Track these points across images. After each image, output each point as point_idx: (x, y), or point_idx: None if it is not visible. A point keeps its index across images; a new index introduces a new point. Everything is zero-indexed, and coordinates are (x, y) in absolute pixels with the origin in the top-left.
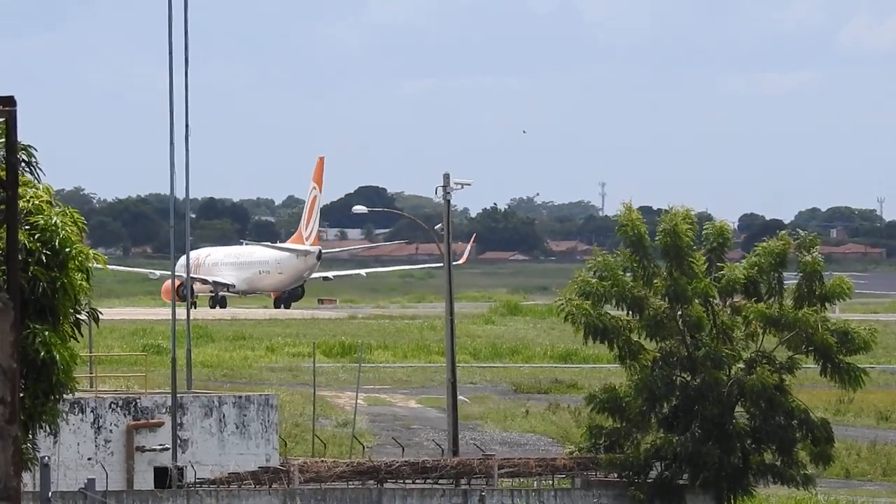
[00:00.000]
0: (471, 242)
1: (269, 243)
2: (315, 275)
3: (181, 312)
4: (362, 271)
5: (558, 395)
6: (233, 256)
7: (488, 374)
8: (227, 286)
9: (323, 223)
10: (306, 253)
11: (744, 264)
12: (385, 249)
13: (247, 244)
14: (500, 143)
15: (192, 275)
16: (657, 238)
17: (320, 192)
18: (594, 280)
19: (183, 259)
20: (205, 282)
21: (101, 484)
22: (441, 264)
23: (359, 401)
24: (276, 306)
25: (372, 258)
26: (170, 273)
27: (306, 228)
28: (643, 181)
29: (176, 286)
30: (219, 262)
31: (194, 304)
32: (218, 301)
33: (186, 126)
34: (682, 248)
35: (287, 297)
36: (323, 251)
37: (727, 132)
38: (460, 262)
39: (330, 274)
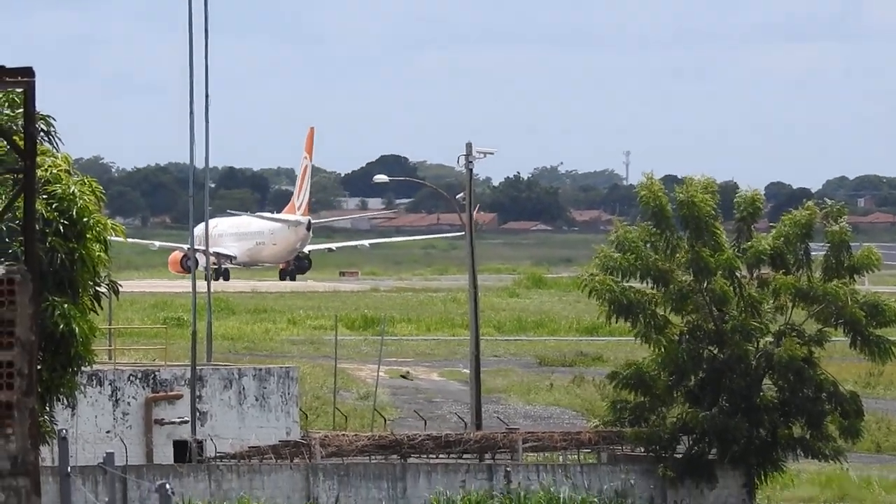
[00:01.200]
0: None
1: (265, 213)
2: (317, 246)
3: (202, 285)
4: (365, 242)
5: (583, 367)
6: (234, 227)
7: (512, 347)
8: (229, 258)
9: (343, 192)
10: (297, 223)
11: (771, 235)
12: (404, 219)
13: (249, 215)
14: (524, 111)
15: (198, 246)
16: (676, 209)
17: (311, 161)
18: (616, 255)
19: (198, 230)
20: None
21: (120, 458)
22: (463, 233)
23: (380, 373)
24: (282, 278)
25: (393, 228)
26: (172, 245)
27: (298, 198)
28: (668, 150)
29: (181, 257)
30: (223, 233)
31: (215, 277)
32: (221, 273)
33: (207, 95)
34: (701, 219)
35: (293, 269)
36: (313, 221)
37: (754, 100)
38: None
39: (333, 245)
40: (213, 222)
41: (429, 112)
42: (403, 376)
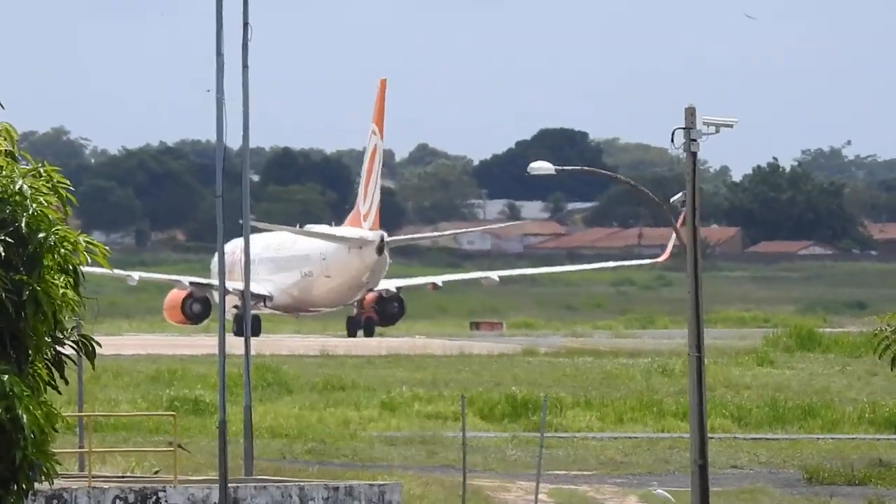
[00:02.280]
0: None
1: (316, 227)
2: (406, 281)
3: (237, 343)
4: (493, 274)
5: (883, 487)
6: (270, 249)
7: (762, 450)
8: (262, 298)
9: (478, 190)
10: (362, 242)
11: None
12: (582, 236)
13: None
14: (779, 64)
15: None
16: None
17: (381, 138)
18: None
19: (234, 248)
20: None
21: None
22: (679, 259)
23: (540, 495)
24: (352, 332)
25: (563, 251)
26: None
27: (364, 201)
28: None
29: (182, 299)
30: (255, 258)
31: (237, 329)
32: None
33: (245, 25)
34: None
35: (370, 317)
36: (387, 240)
37: None
38: (661, 258)
39: (438, 280)
40: (238, 243)
41: (619, 62)
42: None
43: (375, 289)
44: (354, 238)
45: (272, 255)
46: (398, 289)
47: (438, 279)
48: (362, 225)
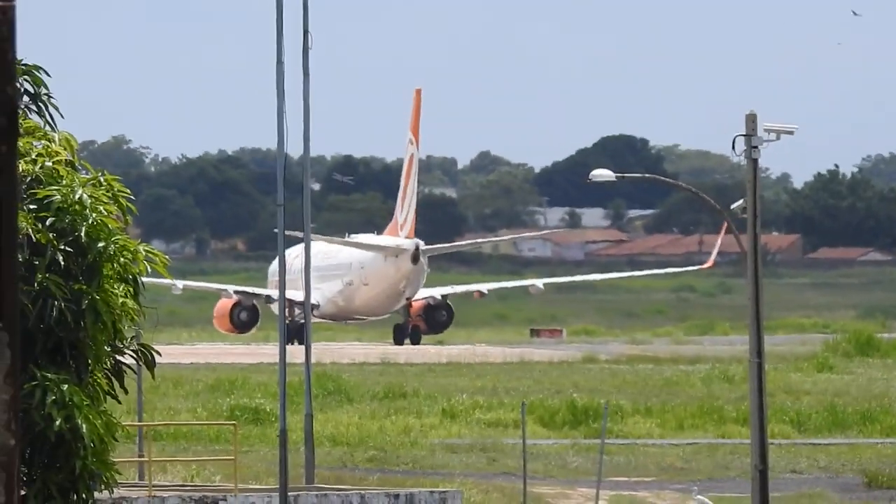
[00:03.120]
0: (719, 238)
1: (361, 235)
2: (451, 289)
3: (297, 352)
4: (538, 282)
5: None
6: (319, 258)
7: (823, 455)
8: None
9: (541, 197)
10: (397, 251)
11: None
12: (642, 243)
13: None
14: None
15: (270, 290)
16: None
17: (417, 147)
18: None
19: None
20: (269, 299)
21: None
22: (740, 266)
23: (601, 502)
24: (398, 340)
25: (623, 258)
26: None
27: (402, 210)
28: None
29: (230, 307)
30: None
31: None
32: (295, 332)
33: (305, 33)
34: None
35: (411, 326)
36: (423, 248)
37: None
38: (707, 265)
39: (484, 287)
40: (290, 252)
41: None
42: None
43: (422, 297)
44: (390, 247)
45: (318, 264)
46: (444, 296)
47: (484, 287)
48: (399, 234)
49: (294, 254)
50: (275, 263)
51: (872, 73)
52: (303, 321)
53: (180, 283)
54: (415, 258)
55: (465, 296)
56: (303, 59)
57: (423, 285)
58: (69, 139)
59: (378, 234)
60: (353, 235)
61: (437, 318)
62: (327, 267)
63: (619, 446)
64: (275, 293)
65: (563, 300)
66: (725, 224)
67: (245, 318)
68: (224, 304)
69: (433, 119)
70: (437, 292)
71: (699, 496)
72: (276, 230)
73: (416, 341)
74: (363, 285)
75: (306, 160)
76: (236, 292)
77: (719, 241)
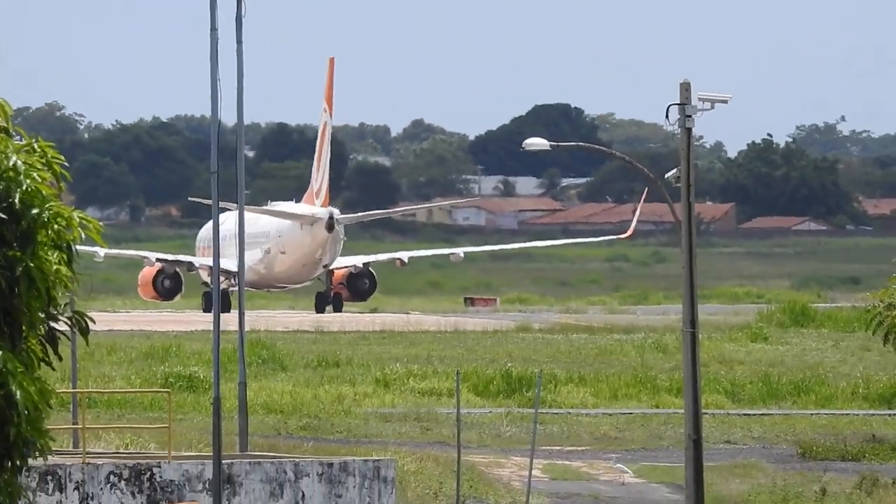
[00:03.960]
0: (638, 207)
1: (281, 203)
2: (372, 257)
3: (231, 319)
4: (459, 250)
5: (877, 462)
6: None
7: (757, 426)
8: (232, 274)
9: (474, 166)
10: (311, 220)
11: None
12: (576, 212)
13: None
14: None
15: (199, 257)
16: None
17: (331, 116)
18: None
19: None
20: (191, 266)
21: None
22: (674, 235)
23: (535, 471)
24: (320, 308)
25: (558, 227)
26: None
27: (316, 177)
28: None
29: (153, 275)
30: (226, 234)
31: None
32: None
33: (239, 1)
34: None
35: (333, 294)
36: (337, 217)
37: None
38: (626, 234)
39: (404, 255)
40: (223, 217)
41: (614, 38)
42: (622, 482)
43: (344, 265)
44: (306, 215)
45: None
46: (365, 264)
47: (405, 255)
48: (314, 202)
49: (220, 220)
50: (202, 230)
51: (807, 44)
52: (228, 289)
53: (102, 251)
54: (329, 226)
55: (388, 264)
56: (236, 26)
57: (340, 253)
58: (3, 105)
59: (297, 202)
60: (273, 203)
61: (359, 287)
62: (248, 235)
63: (553, 416)
64: (197, 260)
65: (497, 269)
66: (646, 192)
67: (168, 286)
68: (147, 273)
69: (366, 87)
70: (360, 260)
71: (618, 465)
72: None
73: (337, 309)
74: (281, 253)
75: (240, 127)
76: (158, 260)
77: (638, 210)
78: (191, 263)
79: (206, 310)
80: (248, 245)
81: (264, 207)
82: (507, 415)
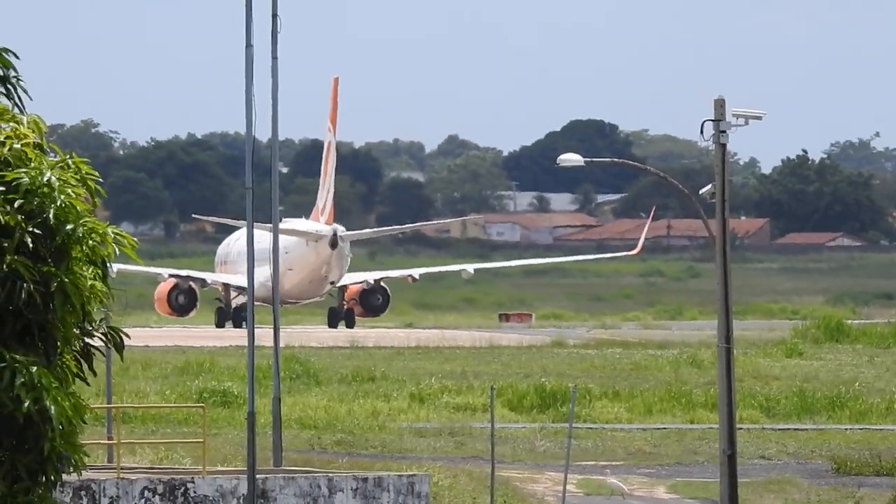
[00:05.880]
0: (649, 220)
1: (292, 220)
2: (384, 273)
3: (265, 335)
4: (469, 267)
5: None
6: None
7: (792, 441)
8: (242, 290)
9: (508, 181)
10: (316, 237)
11: None
12: (610, 228)
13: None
14: (808, 56)
15: (217, 274)
16: None
17: (335, 135)
18: None
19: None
20: (204, 283)
21: None
22: (708, 250)
23: (569, 486)
24: (332, 324)
25: (592, 243)
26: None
27: (322, 195)
28: None
29: (169, 290)
30: (240, 251)
31: (219, 321)
32: (228, 315)
33: (274, 17)
34: None
35: (345, 310)
36: (342, 234)
37: None
38: (635, 251)
39: (415, 272)
40: (237, 234)
41: (648, 54)
42: (620, 495)
43: (356, 281)
44: (310, 233)
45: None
46: (377, 280)
47: (416, 272)
48: (319, 219)
49: (235, 237)
50: (220, 247)
51: (841, 60)
52: (236, 304)
53: (115, 267)
54: (333, 244)
55: (393, 280)
56: (272, 42)
57: (347, 269)
58: (38, 122)
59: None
60: (285, 220)
61: (371, 302)
62: (258, 252)
63: (587, 430)
64: (210, 276)
65: (532, 284)
66: (653, 210)
67: (183, 302)
68: (163, 288)
69: (401, 102)
70: (372, 276)
71: (612, 479)
72: (207, 217)
73: (349, 325)
74: (288, 270)
75: (275, 142)
76: (171, 276)
77: (646, 228)
78: (203, 280)
79: (219, 325)
80: (258, 261)
81: (269, 225)
82: (541, 430)
